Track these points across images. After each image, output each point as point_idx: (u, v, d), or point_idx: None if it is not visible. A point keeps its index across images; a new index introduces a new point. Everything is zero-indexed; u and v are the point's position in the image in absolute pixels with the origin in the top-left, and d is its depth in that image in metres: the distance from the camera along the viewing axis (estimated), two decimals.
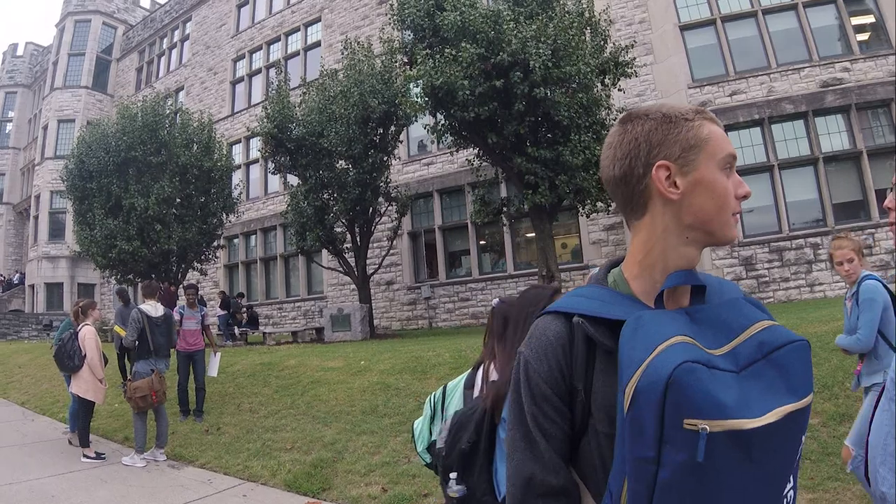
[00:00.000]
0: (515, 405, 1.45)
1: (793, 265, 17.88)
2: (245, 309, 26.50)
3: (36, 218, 41.95)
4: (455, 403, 3.84)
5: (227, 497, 7.69)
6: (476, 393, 3.69)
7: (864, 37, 19.48)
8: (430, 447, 3.93)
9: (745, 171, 18.57)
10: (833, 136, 18.67)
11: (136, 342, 9.70)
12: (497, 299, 3.80)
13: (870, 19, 19.47)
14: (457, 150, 18.17)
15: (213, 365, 12.02)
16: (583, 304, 1.43)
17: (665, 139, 1.43)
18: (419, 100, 15.98)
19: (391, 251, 22.89)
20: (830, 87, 18.67)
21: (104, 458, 9.62)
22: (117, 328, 10.89)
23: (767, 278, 18.12)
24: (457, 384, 3.93)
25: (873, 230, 17.59)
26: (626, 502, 1.26)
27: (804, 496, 5.48)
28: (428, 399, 4.02)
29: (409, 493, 6.98)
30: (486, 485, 3.10)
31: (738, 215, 1.47)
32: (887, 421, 1.98)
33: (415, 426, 4.04)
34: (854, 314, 5.07)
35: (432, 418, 3.95)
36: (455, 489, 3.14)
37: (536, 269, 16.85)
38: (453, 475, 3.16)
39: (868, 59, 18.77)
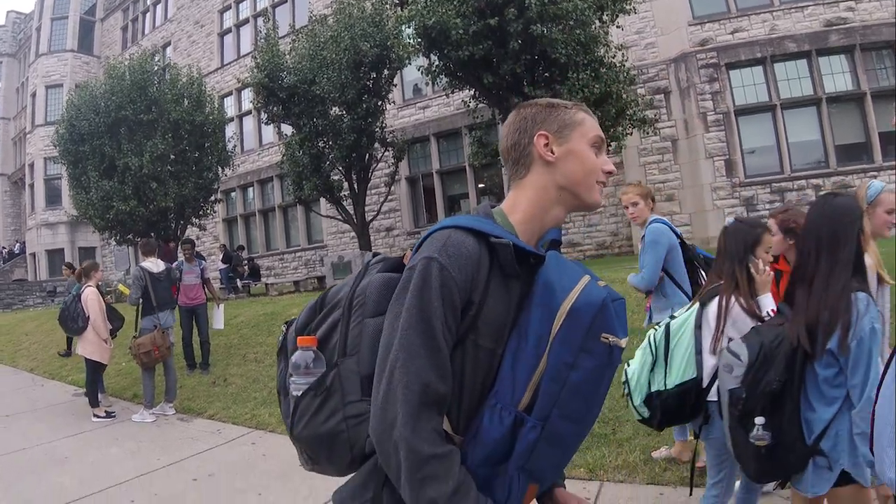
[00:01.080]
0: (418, 310, 1.54)
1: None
2: (246, 261, 26.40)
3: (31, 186, 41.86)
4: (685, 345, 3.58)
5: (237, 446, 7.85)
6: (711, 331, 3.50)
7: None
8: (648, 399, 3.66)
9: (747, 111, 18.36)
10: (836, 76, 18.41)
11: (140, 299, 9.76)
12: (731, 218, 3.60)
13: None
14: (452, 92, 17.83)
15: (218, 318, 12.04)
16: (496, 230, 1.65)
17: (547, 118, 1.80)
18: (412, 41, 15.64)
19: (389, 197, 22.67)
20: (834, 27, 18.34)
21: (114, 417, 9.79)
22: (121, 287, 10.93)
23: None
24: (682, 324, 3.65)
25: (876, 173, 17.37)
26: (531, 405, 1.54)
27: None
28: (645, 344, 3.73)
29: None
30: (797, 430, 2.95)
31: (602, 186, 1.83)
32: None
33: (629, 375, 3.76)
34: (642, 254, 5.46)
35: (653, 365, 3.67)
36: (761, 435, 2.91)
37: None
38: (760, 420, 2.92)
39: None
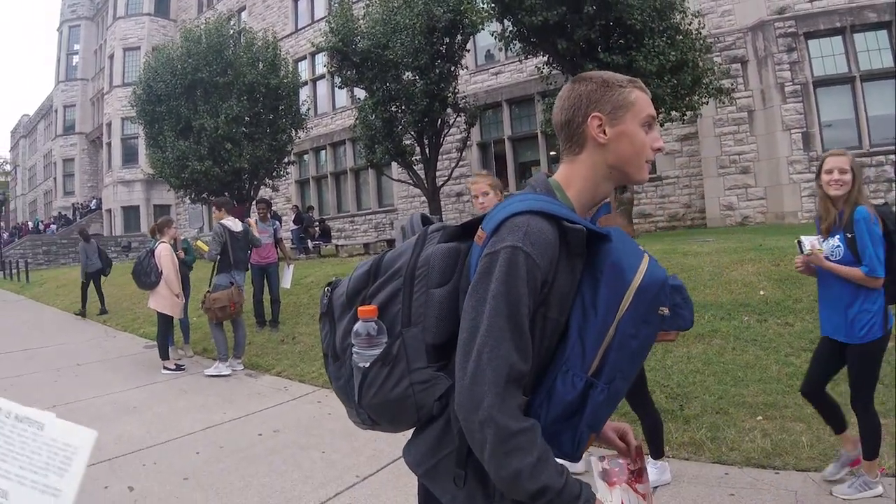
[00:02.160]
0: (505, 297, 1.63)
1: (872, 182, 16.91)
2: (317, 223, 26.72)
3: (108, 145, 42.97)
4: None
5: (303, 403, 7.98)
6: None
7: None
8: None
9: (826, 82, 17.81)
10: None
11: (219, 255, 9.94)
12: None
13: None
14: (525, 58, 17.70)
15: (287, 277, 12.13)
16: (564, 212, 1.73)
17: (602, 98, 1.86)
18: (485, 6, 15.57)
19: (461, 163, 22.68)
20: None
21: (184, 370, 10.09)
22: (200, 243, 10.95)
23: None
24: None
25: None
26: (598, 370, 1.70)
27: None
28: None
29: None
30: None
31: (650, 163, 1.93)
32: None
33: None
34: None
35: None
36: None
37: None
38: None
39: None
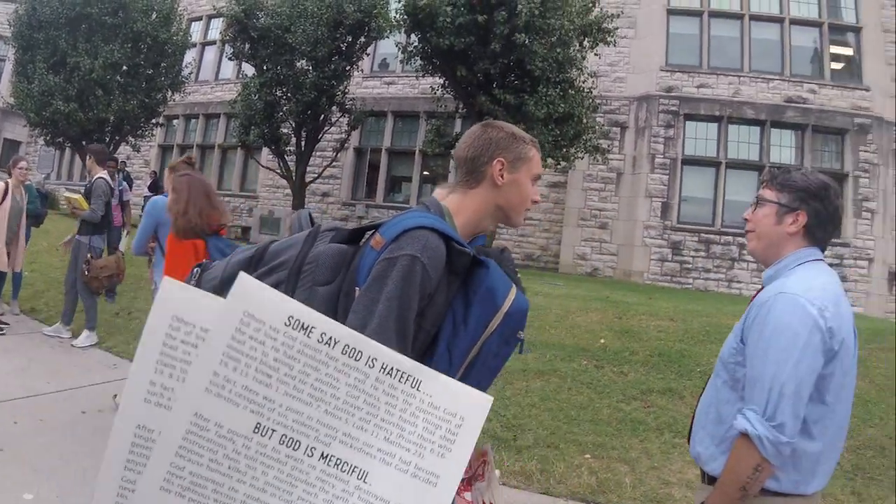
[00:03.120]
0: (398, 302, 1.79)
1: (717, 258, 18.48)
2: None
3: None
4: None
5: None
6: None
7: (838, 66, 20.14)
8: None
9: (694, 161, 18.96)
10: (784, 149, 19.28)
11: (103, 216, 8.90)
12: None
13: (848, 51, 20.15)
14: (422, 76, 17.91)
15: (125, 240, 11.05)
16: (456, 235, 1.94)
17: (508, 147, 2.13)
18: (398, 16, 15.69)
19: (334, 163, 22.55)
20: (793, 104, 19.20)
21: (6, 326, 9.09)
22: (80, 199, 9.00)
23: (690, 266, 18.58)
24: None
25: None
26: (462, 379, 1.80)
27: None
28: None
29: None
30: None
31: (527, 212, 2.25)
32: (712, 393, 2.47)
33: None
34: None
35: None
36: None
37: None
38: None
39: (836, 88, 19.44)
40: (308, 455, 1.28)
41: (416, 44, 16.06)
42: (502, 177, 2.10)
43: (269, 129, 19.57)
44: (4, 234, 8.97)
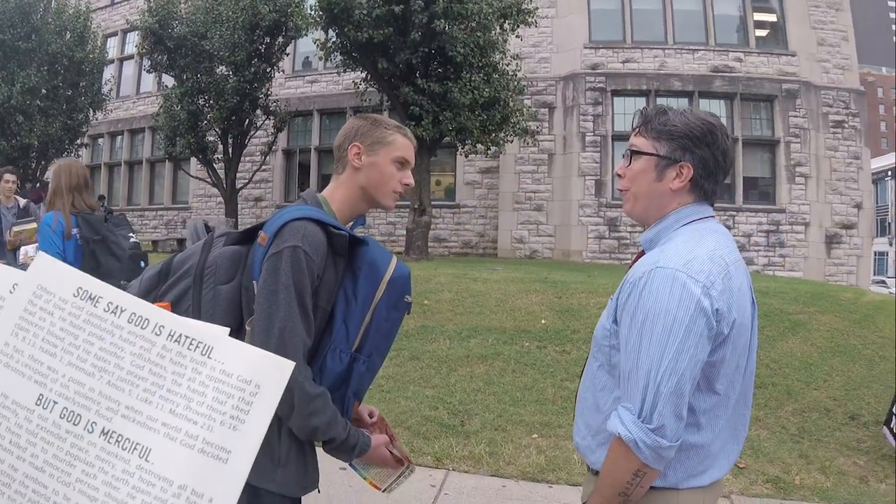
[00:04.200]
0: (295, 288, 2.01)
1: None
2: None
3: None
4: None
5: None
6: None
7: (762, 33, 20.50)
8: None
9: (624, 137, 18.91)
10: None
11: None
12: None
13: (772, 17, 20.53)
14: (344, 71, 17.65)
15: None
16: (331, 220, 2.13)
17: (367, 133, 2.29)
18: (313, 13, 15.50)
19: (263, 167, 22.23)
20: (720, 73, 19.45)
21: None
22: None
23: (628, 241, 18.72)
24: None
25: (735, 213, 18.47)
26: (360, 347, 2.13)
27: None
28: None
29: None
30: None
31: (398, 195, 2.37)
32: (589, 378, 2.16)
33: None
34: None
35: None
36: None
37: (409, 202, 16.71)
38: None
39: (762, 55, 19.77)
40: (88, 431, 1.19)
41: (334, 39, 15.86)
42: (360, 159, 2.27)
43: (195, 139, 19.28)
44: None
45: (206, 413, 1.19)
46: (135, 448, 1.18)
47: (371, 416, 2.51)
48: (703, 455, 1.96)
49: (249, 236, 2.28)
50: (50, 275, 1.29)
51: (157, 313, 1.26)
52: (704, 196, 2.05)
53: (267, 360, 1.24)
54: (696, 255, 1.86)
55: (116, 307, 1.25)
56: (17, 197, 8.26)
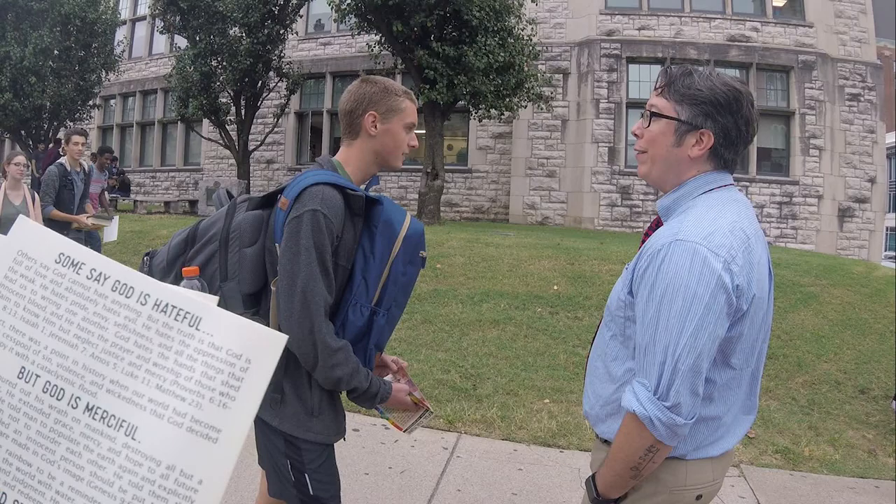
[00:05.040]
0: (315, 249, 2.19)
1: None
2: (117, 174, 25.33)
3: None
4: None
5: None
6: None
7: (780, 3, 20.22)
8: None
9: (638, 105, 18.84)
10: None
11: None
12: None
13: None
14: (358, 34, 17.55)
15: (114, 229, 9.12)
16: (348, 184, 2.31)
17: (380, 101, 2.42)
18: None
19: (276, 129, 22.19)
20: (737, 43, 19.24)
21: None
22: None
23: (640, 209, 18.65)
24: None
25: (748, 183, 18.34)
26: (379, 300, 2.32)
27: None
28: None
29: None
30: None
31: (405, 156, 2.55)
32: (601, 346, 2.11)
33: None
34: None
35: None
36: None
37: (421, 167, 16.69)
38: None
39: (778, 25, 19.52)
40: (72, 406, 1.15)
41: (349, 1, 15.75)
42: (375, 127, 2.42)
43: (208, 101, 19.13)
44: None
45: (195, 389, 1.13)
46: (121, 425, 1.13)
47: (395, 363, 2.73)
48: (714, 427, 1.95)
49: (270, 200, 2.46)
50: (30, 240, 1.25)
51: (142, 280, 1.21)
52: (724, 165, 1.98)
53: (258, 333, 1.18)
54: (718, 228, 1.80)
55: (100, 274, 1.21)
56: (83, 161, 8.00)
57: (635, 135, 2.07)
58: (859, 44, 19.74)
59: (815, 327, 7.99)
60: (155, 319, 1.17)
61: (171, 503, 1.09)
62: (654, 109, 1.98)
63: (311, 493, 2.39)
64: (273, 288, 2.30)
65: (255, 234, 2.39)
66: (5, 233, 4.11)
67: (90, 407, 1.15)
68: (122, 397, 1.14)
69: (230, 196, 2.62)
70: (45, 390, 1.16)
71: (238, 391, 1.13)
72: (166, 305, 1.18)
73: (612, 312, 2.05)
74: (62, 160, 7.74)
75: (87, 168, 7.92)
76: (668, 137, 1.95)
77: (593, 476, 2.04)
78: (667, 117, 1.94)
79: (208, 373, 1.14)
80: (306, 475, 2.39)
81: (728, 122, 1.89)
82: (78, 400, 1.15)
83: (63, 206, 7.61)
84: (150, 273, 2.40)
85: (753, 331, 1.88)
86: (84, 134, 7.89)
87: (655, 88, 2.01)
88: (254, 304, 2.40)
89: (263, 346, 1.16)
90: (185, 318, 1.17)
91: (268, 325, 1.95)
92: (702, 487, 1.98)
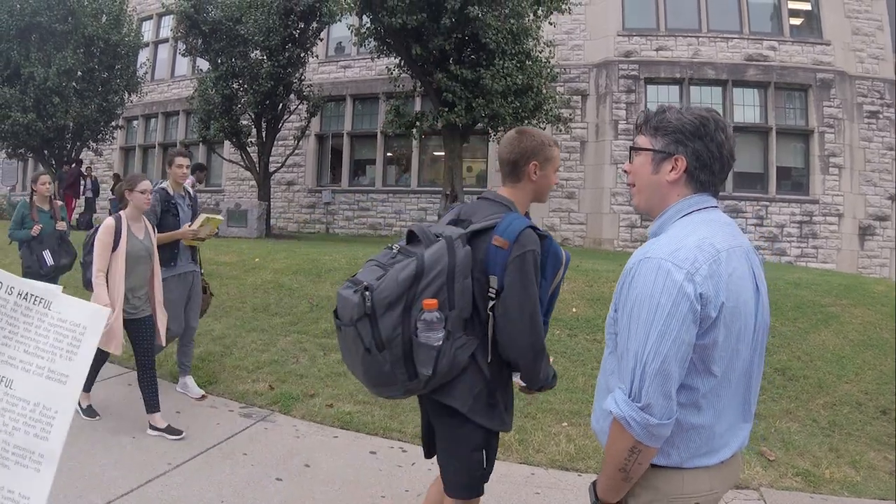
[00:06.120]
0: (533, 278, 2.86)
1: None
2: None
3: None
4: None
5: (114, 385, 7.36)
6: None
7: (797, 21, 20.15)
8: None
9: None
10: (747, 108, 19.40)
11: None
12: None
13: (806, 6, 20.13)
14: (378, 57, 17.73)
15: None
16: (537, 227, 2.98)
17: (539, 152, 3.10)
18: None
19: (296, 151, 22.31)
20: (754, 62, 19.24)
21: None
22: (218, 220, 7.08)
23: None
24: None
25: (767, 203, 18.31)
26: (546, 312, 3.05)
27: None
28: None
29: (296, 392, 6.96)
30: None
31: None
32: (603, 363, 2.28)
33: None
34: None
35: None
36: None
37: (440, 188, 16.76)
38: None
39: (796, 43, 19.46)
40: None
41: (368, 25, 15.91)
42: (536, 174, 3.12)
43: (229, 123, 19.23)
44: (121, 293, 5.69)
45: (49, 350, 1.57)
46: (1, 380, 1.54)
47: None
48: (708, 436, 2.07)
49: (476, 236, 2.96)
50: None
51: (5, 277, 1.59)
52: (702, 187, 2.20)
53: (90, 308, 1.64)
54: (685, 244, 1.98)
55: None
56: (187, 185, 7.22)
57: (625, 171, 2.35)
58: (877, 61, 19.69)
59: (836, 348, 7.95)
60: (19, 304, 1.59)
61: (38, 428, 1.53)
62: (635, 146, 2.27)
63: (486, 468, 3.11)
64: (490, 313, 2.89)
65: (468, 269, 2.88)
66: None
67: None
68: (0, 360, 1.56)
69: (413, 237, 3.09)
70: None
71: (79, 348, 1.59)
72: (27, 294, 1.60)
73: (607, 330, 2.24)
74: (164, 184, 6.90)
75: (192, 193, 7.24)
76: (648, 167, 2.21)
77: (594, 482, 2.20)
78: (645, 149, 2.21)
79: (58, 337, 1.59)
80: (488, 459, 3.10)
81: (698, 146, 2.14)
82: None
83: None
84: (373, 307, 2.77)
85: (731, 339, 2.01)
86: (188, 155, 7.23)
87: (636, 127, 2.31)
88: (467, 327, 2.92)
89: (94, 316, 1.63)
90: (40, 301, 1.60)
91: (485, 344, 2.91)
92: (699, 496, 2.09)
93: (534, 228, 2.93)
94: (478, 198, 3.26)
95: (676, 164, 2.16)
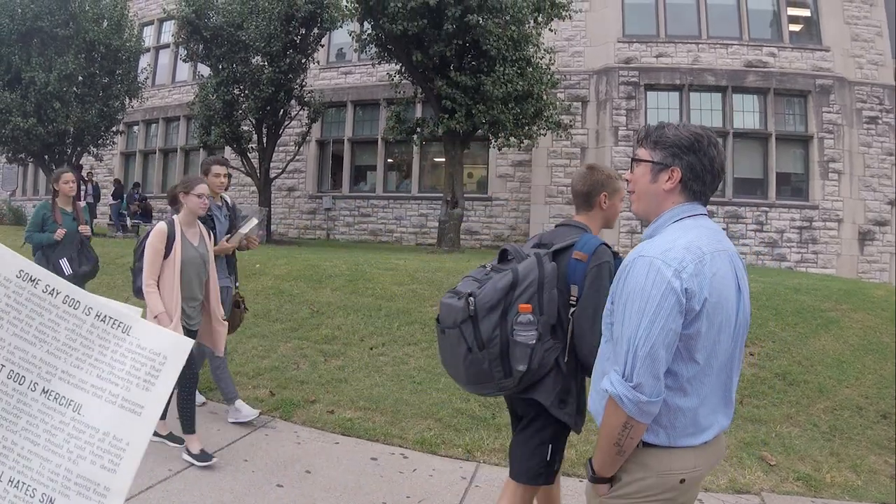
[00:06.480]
0: (607, 287, 2.76)
1: None
2: (139, 200, 25.52)
3: None
4: None
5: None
6: None
7: (796, 28, 20.23)
8: None
9: None
10: (747, 114, 19.45)
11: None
12: None
13: (805, 12, 20.22)
14: (379, 63, 17.82)
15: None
16: (608, 245, 3.37)
17: (608, 184, 3.52)
18: (348, 5, 15.59)
19: (297, 157, 22.36)
20: (754, 68, 19.29)
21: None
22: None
23: None
24: None
25: (767, 209, 18.33)
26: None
27: None
28: None
29: (297, 398, 6.94)
30: None
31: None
32: (601, 351, 2.53)
33: None
34: None
35: None
36: None
37: (441, 194, 16.78)
38: None
39: (795, 50, 19.53)
40: (31, 389, 1.47)
41: (369, 31, 15.99)
42: (605, 203, 3.55)
43: (230, 128, 19.31)
44: (178, 303, 5.34)
45: (125, 377, 1.50)
46: (69, 403, 1.47)
47: None
48: (692, 418, 2.33)
49: (559, 253, 3.35)
50: None
51: (85, 297, 1.53)
52: (695, 196, 2.43)
53: (172, 337, 1.57)
54: (675, 245, 2.24)
55: (53, 289, 1.52)
56: (225, 195, 6.88)
57: (626, 180, 2.64)
58: (876, 66, 19.73)
59: (837, 352, 7.96)
60: (96, 326, 1.52)
61: (106, 459, 1.45)
62: (635, 157, 2.52)
63: (549, 460, 3.37)
64: (570, 318, 3.24)
65: (555, 281, 3.26)
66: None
67: (45, 390, 1.48)
68: (70, 383, 1.49)
69: (502, 257, 3.51)
70: (9, 377, 1.46)
71: (157, 378, 1.52)
72: (105, 316, 1.53)
73: (604, 321, 2.50)
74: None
75: (230, 202, 6.92)
76: (647, 176, 2.45)
77: (591, 459, 2.45)
78: (645, 161, 2.46)
79: (136, 365, 1.51)
80: (554, 454, 3.38)
81: (692, 159, 2.37)
82: (36, 385, 1.47)
83: None
84: (476, 310, 3.18)
85: (713, 331, 2.27)
86: (225, 163, 6.80)
87: (637, 141, 2.57)
88: (553, 332, 3.27)
89: (176, 347, 1.56)
90: (119, 325, 1.54)
91: (565, 348, 3.24)
92: (685, 472, 2.35)
93: (607, 246, 3.34)
94: (556, 225, 3.70)
95: (672, 175, 2.39)
